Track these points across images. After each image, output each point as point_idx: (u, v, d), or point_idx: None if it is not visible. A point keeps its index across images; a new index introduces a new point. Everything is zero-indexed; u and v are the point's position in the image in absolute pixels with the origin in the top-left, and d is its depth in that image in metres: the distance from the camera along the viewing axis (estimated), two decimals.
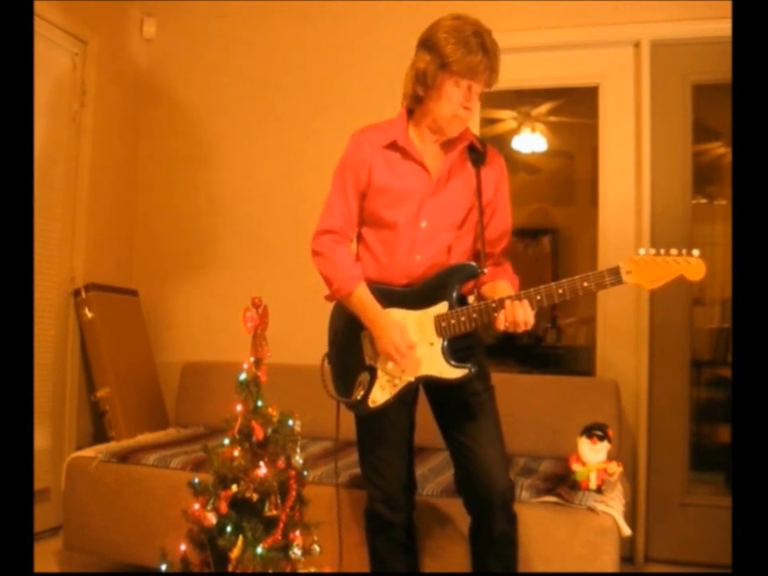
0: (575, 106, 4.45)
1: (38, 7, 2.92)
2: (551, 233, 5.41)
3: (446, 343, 1.93)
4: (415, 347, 1.94)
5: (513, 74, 3.42)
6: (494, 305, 1.88)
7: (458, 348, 1.95)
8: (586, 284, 1.82)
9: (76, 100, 3.52)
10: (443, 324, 1.93)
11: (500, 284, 2.00)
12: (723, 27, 2.72)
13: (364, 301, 1.97)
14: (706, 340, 3.53)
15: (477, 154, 2.04)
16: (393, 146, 2.00)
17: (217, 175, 3.85)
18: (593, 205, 3.47)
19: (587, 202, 4.48)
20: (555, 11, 3.35)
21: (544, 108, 4.79)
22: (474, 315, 1.90)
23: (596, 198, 3.40)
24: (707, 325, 3.57)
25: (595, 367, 3.34)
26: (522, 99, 4.62)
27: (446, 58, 1.87)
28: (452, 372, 1.93)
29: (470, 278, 2.00)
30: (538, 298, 1.85)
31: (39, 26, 3.16)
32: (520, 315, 1.84)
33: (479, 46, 1.86)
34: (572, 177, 5.35)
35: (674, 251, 1.80)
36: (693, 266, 1.78)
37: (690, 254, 1.79)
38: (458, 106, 1.92)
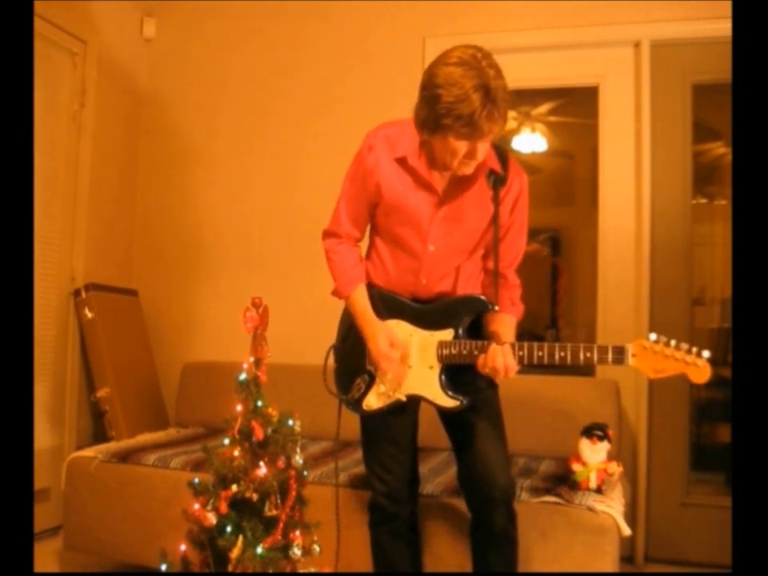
0: (575, 106, 4.44)
1: (38, 7, 2.92)
2: (551, 233, 5.40)
3: (443, 373, 1.94)
4: (404, 347, 1.95)
5: (513, 73, 3.42)
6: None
7: (463, 369, 1.94)
8: (588, 354, 1.82)
9: (76, 100, 3.51)
10: (444, 351, 1.94)
11: (505, 321, 1.98)
12: (723, 27, 2.72)
13: (356, 307, 2.00)
14: (706, 340, 3.52)
15: (497, 176, 1.91)
16: (402, 161, 1.90)
17: (216, 175, 3.85)
18: (593, 205, 3.46)
19: (587, 202, 4.47)
20: (555, 11, 3.35)
21: (544, 108, 4.78)
22: (475, 352, 1.89)
23: (596, 198, 3.40)
24: (707, 325, 3.56)
25: (595, 367, 3.33)
26: (522, 99, 4.60)
27: (442, 120, 1.68)
28: (445, 400, 1.94)
29: (479, 313, 2.00)
30: (539, 354, 1.85)
31: (39, 26, 3.16)
32: (500, 362, 1.82)
33: (481, 101, 1.63)
34: (572, 177, 5.34)
35: (684, 346, 1.76)
36: (699, 368, 1.74)
37: (699, 354, 1.74)
38: (462, 156, 1.77)
